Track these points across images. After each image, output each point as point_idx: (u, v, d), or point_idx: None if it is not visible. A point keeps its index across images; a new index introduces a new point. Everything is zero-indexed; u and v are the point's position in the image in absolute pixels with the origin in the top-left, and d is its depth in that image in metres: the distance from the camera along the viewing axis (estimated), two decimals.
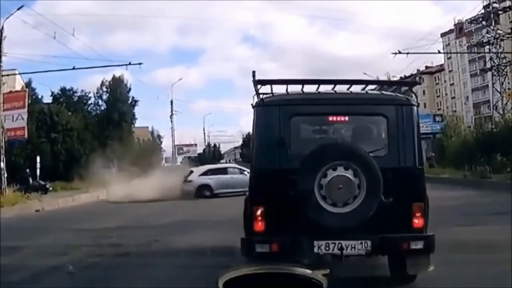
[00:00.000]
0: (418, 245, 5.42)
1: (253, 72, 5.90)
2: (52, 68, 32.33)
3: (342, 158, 5.26)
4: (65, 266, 7.33)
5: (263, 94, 6.06)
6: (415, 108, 5.84)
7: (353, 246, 5.38)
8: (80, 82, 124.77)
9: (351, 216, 5.22)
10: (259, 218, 5.52)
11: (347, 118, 6.09)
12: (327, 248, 5.38)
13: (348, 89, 6.23)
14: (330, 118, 6.08)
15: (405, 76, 72.97)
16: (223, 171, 25.20)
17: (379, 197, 5.24)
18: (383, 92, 6.51)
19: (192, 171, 25.77)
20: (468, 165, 25.49)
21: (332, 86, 6.28)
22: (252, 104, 5.92)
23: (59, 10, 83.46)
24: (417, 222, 5.50)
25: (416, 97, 6.18)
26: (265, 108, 5.83)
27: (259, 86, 5.99)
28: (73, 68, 27.31)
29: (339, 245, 5.35)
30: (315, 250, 5.39)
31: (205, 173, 24.50)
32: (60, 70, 28.65)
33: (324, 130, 6.56)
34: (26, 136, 28.56)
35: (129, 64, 28.34)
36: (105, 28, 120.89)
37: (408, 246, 5.42)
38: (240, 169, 24.73)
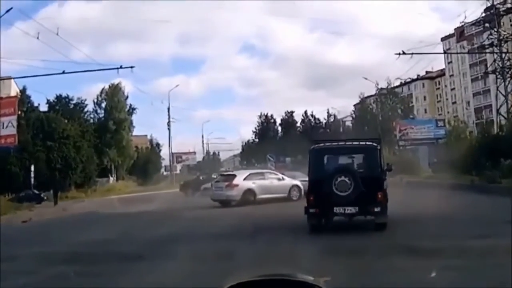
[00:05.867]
0: (378, 208, 11.15)
1: (310, 138, 18.63)
2: (48, 78, 31.64)
3: (343, 173, 11.37)
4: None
5: (315, 142, 13.14)
6: (378, 149, 12.22)
7: (349, 209, 11.28)
8: (81, 91, 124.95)
9: (348, 197, 11.15)
10: (311, 199, 11.70)
11: (346, 155, 12.86)
12: (339, 210, 11.36)
13: (352, 142, 14.06)
14: (341, 156, 12.81)
15: (404, 81, 72.87)
16: (262, 176, 23.68)
17: (360, 189, 11.14)
18: (366, 142, 13.01)
19: (225, 176, 24.54)
20: (475, 170, 24.69)
21: (345, 141, 14.87)
22: (309, 149, 12.40)
23: (61, 20, 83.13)
24: (379, 199, 11.26)
25: (380, 144, 12.67)
26: (315, 151, 12.34)
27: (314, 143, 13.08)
28: (63, 72, 26.62)
29: (344, 209, 11.30)
30: (335, 211, 11.45)
31: (248, 178, 22.83)
32: (50, 75, 27.96)
33: (339, 160, 12.71)
34: (16, 143, 27.71)
35: (121, 67, 27.59)
36: (106, 38, 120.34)
37: (374, 209, 11.15)
38: (278, 174, 24.20)
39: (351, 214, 11.32)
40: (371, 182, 11.23)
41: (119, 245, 11.22)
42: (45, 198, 29.01)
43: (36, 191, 30.35)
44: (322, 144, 12.83)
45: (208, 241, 11.11)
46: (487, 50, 39.15)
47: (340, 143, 13.96)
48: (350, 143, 13.58)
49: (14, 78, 33.65)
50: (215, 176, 30.74)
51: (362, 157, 12.46)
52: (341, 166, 11.98)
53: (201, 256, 8.89)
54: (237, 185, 22.08)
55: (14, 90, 40.38)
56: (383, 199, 11.26)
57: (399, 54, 30.63)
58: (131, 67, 28.37)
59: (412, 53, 30.65)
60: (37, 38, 27.09)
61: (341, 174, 11.16)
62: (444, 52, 33.73)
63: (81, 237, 12.80)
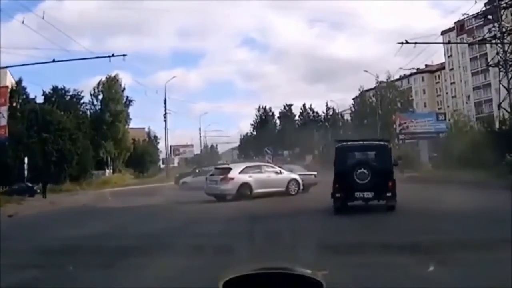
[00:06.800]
0: (389, 194, 13.95)
1: (335, 139, 22.49)
2: (43, 70, 31.19)
3: (363, 166, 14.34)
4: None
5: (339, 141, 16.39)
6: (388, 146, 15.58)
7: (367, 194, 14.12)
8: (79, 84, 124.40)
9: (366, 184, 14.03)
10: (337, 186, 14.37)
11: (363, 152, 15.66)
12: (360, 195, 14.18)
13: (368, 141, 17.21)
14: (359, 152, 15.63)
15: (404, 74, 72.33)
16: (259, 169, 22.77)
17: (375, 179, 13.98)
18: (379, 142, 16.72)
19: (220, 169, 23.41)
20: (479, 165, 24.10)
21: (362, 141, 17.01)
22: (335, 147, 15.54)
23: (60, 13, 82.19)
24: (390, 187, 13.99)
25: (390, 143, 16.58)
26: (339, 148, 15.28)
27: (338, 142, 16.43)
28: (53, 61, 26.00)
29: (363, 194, 14.15)
30: (355, 195, 14.23)
31: (244, 171, 21.96)
32: (39, 63, 27.42)
33: (357, 155, 15.38)
34: (7, 134, 27.04)
35: (112, 55, 26.97)
36: (105, 31, 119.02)
37: (386, 194, 13.98)
38: (275, 168, 23.32)
39: (368, 198, 14.26)
40: (383, 173, 14.17)
41: (99, 242, 10.58)
42: (38, 191, 28.48)
43: (29, 184, 29.84)
44: (345, 143, 16.04)
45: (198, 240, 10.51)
46: (487, 44, 38.52)
47: (359, 142, 16.80)
48: (367, 142, 16.70)
49: (4, 67, 32.86)
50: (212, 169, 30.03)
51: (375, 153, 15.33)
52: (360, 160, 14.91)
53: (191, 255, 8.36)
54: (232, 179, 21.29)
55: (9, 81, 39.82)
56: (392, 187, 14.11)
57: (402, 43, 31.48)
58: (123, 55, 27.67)
59: (416, 43, 31.55)
60: (22, 22, 26.35)
61: (361, 167, 14.25)
62: (448, 42, 33.67)
63: (64, 232, 12.15)
